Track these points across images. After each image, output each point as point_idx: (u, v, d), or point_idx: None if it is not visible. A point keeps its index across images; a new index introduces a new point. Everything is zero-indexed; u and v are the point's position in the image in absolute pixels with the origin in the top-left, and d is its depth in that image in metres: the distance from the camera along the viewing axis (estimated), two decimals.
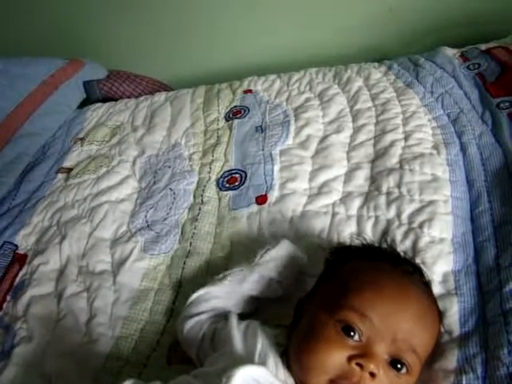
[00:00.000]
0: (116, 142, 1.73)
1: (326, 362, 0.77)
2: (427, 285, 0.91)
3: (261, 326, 0.90)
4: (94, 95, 2.15)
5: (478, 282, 1.01)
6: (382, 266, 0.90)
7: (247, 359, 0.82)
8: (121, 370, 1.04)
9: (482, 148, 1.30)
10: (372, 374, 0.76)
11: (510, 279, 0.95)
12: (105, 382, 1.02)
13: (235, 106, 1.74)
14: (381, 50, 2.02)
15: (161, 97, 1.95)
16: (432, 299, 0.90)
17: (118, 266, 1.24)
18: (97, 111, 1.97)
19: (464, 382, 0.84)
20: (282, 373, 0.81)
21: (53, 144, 1.83)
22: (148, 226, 1.33)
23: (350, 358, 0.77)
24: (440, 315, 0.90)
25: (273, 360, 0.82)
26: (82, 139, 1.80)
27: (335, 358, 0.77)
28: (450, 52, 1.73)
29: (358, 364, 0.76)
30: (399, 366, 0.79)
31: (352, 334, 0.79)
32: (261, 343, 0.84)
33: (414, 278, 0.89)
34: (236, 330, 0.88)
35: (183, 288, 1.16)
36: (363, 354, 0.77)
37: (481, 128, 1.36)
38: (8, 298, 1.24)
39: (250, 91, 1.81)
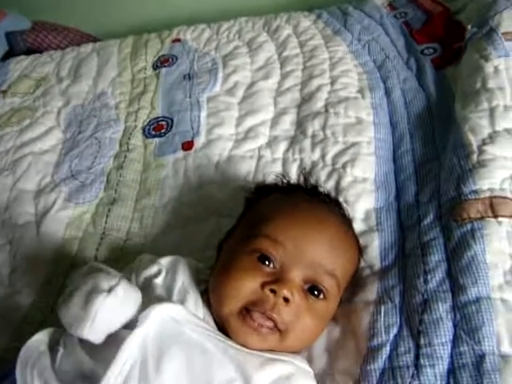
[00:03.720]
0: (40, 94, 1.67)
1: (240, 288, 0.78)
2: (345, 216, 0.93)
3: (184, 261, 0.90)
4: (17, 47, 2.06)
5: (399, 218, 1.04)
6: (298, 197, 0.91)
7: (166, 297, 0.81)
8: (45, 319, 1.02)
9: (405, 92, 1.33)
10: (286, 299, 0.76)
11: (428, 214, 0.98)
12: (28, 332, 1.00)
13: (163, 55, 1.71)
14: None
15: (87, 47, 1.89)
16: (349, 228, 0.91)
17: (42, 216, 1.21)
18: (20, 63, 1.89)
19: (382, 311, 0.86)
20: (202, 310, 0.81)
21: None
22: (72, 175, 1.31)
23: (263, 285, 0.77)
24: (358, 244, 0.92)
25: (193, 297, 0.82)
26: (5, 92, 1.73)
27: (248, 284, 0.77)
28: (379, 1, 1.75)
29: (271, 290, 0.76)
30: (316, 292, 0.80)
31: (267, 262, 0.79)
32: (181, 280, 0.84)
33: (330, 206, 0.91)
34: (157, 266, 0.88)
35: (107, 234, 1.15)
36: (277, 279, 0.77)
37: (405, 73, 1.39)
38: None
39: (179, 40, 1.78)
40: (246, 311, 0.77)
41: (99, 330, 0.73)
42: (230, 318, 0.78)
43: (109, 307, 0.72)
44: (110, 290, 0.73)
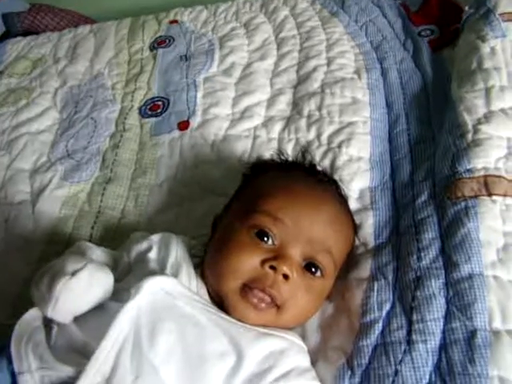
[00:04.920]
0: (37, 75, 1.66)
1: (240, 265, 0.78)
2: (342, 195, 0.93)
3: (176, 237, 0.90)
4: (14, 28, 2.05)
5: (394, 197, 1.04)
6: (297, 174, 0.91)
7: (159, 271, 0.82)
8: None
9: (402, 73, 1.33)
10: (285, 276, 0.77)
11: (422, 193, 0.99)
12: (23, 309, 1.00)
13: (160, 36, 1.71)
14: None
15: (85, 29, 1.88)
16: (346, 207, 0.92)
17: (37, 194, 1.21)
18: (17, 44, 1.88)
19: (375, 287, 0.87)
20: (195, 284, 0.81)
21: None
22: (68, 155, 1.31)
23: (263, 262, 0.77)
24: (354, 223, 0.93)
25: (186, 271, 0.82)
26: (1, 72, 1.72)
27: (248, 261, 0.78)
28: None
29: (271, 267, 0.77)
30: (313, 269, 0.80)
31: (266, 239, 0.79)
32: (174, 255, 0.84)
33: (328, 186, 0.91)
34: (148, 243, 0.88)
35: (103, 213, 1.15)
36: (276, 256, 0.78)
37: (402, 54, 1.39)
38: None
39: (176, 22, 1.77)
40: (248, 288, 0.77)
41: (64, 312, 0.75)
42: (229, 295, 0.78)
43: (71, 290, 0.74)
44: (73, 274, 0.74)
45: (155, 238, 0.90)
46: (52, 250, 1.09)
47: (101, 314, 0.76)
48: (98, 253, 0.93)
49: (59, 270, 0.76)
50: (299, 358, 0.79)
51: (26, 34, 2.01)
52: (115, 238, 1.09)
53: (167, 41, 1.67)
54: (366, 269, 0.91)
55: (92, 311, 0.78)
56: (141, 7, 2.17)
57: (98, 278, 0.78)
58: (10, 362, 0.73)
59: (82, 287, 0.75)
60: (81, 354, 0.71)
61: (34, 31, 2.03)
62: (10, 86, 1.65)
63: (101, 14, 2.19)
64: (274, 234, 0.80)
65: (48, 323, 0.79)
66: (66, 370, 0.70)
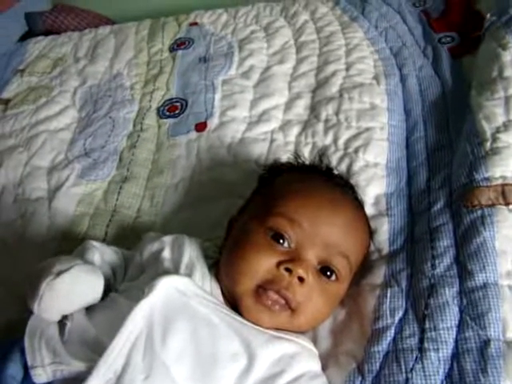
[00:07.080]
0: (57, 73, 1.68)
1: (255, 266, 0.78)
2: (358, 200, 0.93)
3: (189, 239, 0.90)
4: (36, 28, 2.07)
5: (409, 204, 1.03)
6: (314, 177, 0.91)
7: (173, 270, 0.82)
8: None
9: (421, 79, 1.32)
10: (300, 279, 0.76)
11: (439, 200, 0.98)
12: None
13: (180, 38, 1.72)
14: None
15: (105, 29, 1.90)
16: (362, 211, 0.92)
17: (54, 191, 1.22)
18: (39, 43, 1.90)
19: (388, 294, 0.86)
20: (209, 285, 0.82)
21: None
22: (86, 153, 1.31)
23: (278, 264, 0.77)
24: (370, 228, 0.93)
25: (200, 271, 0.82)
26: (23, 71, 1.74)
27: (264, 262, 0.78)
28: None
29: (286, 269, 0.77)
30: (329, 273, 0.80)
31: (281, 241, 0.79)
32: (188, 255, 0.85)
33: (345, 190, 0.91)
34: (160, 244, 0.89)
35: (118, 212, 1.16)
36: (292, 258, 0.78)
37: (422, 61, 1.38)
38: None
39: (196, 24, 1.79)
40: (262, 290, 0.77)
41: (49, 310, 0.78)
42: (243, 296, 0.78)
43: (54, 290, 0.76)
44: (58, 274, 0.77)
45: (167, 239, 0.90)
46: (67, 247, 1.09)
47: (114, 312, 0.77)
48: (108, 252, 0.94)
49: (47, 269, 0.78)
50: (310, 362, 0.79)
51: (47, 33, 2.04)
52: (130, 236, 1.09)
53: (187, 42, 1.68)
54: (379, 275, 0.90)
55: (105, 308, 0.79)
56: (160, 9, 2.18)
57: (83, 280, 0.80)
58: (22, 354, 0.74)
59: (64, 288, 0.77)
60: (93, 351, 0.72)
61: (55, 31, 2.05)
62: (30, 84, 1.66)
63: (120, 16, 2.20)
64: (290, 236, 0.80)
65: (62, 319, 0.80)
66: (78, 366, 0.70)
